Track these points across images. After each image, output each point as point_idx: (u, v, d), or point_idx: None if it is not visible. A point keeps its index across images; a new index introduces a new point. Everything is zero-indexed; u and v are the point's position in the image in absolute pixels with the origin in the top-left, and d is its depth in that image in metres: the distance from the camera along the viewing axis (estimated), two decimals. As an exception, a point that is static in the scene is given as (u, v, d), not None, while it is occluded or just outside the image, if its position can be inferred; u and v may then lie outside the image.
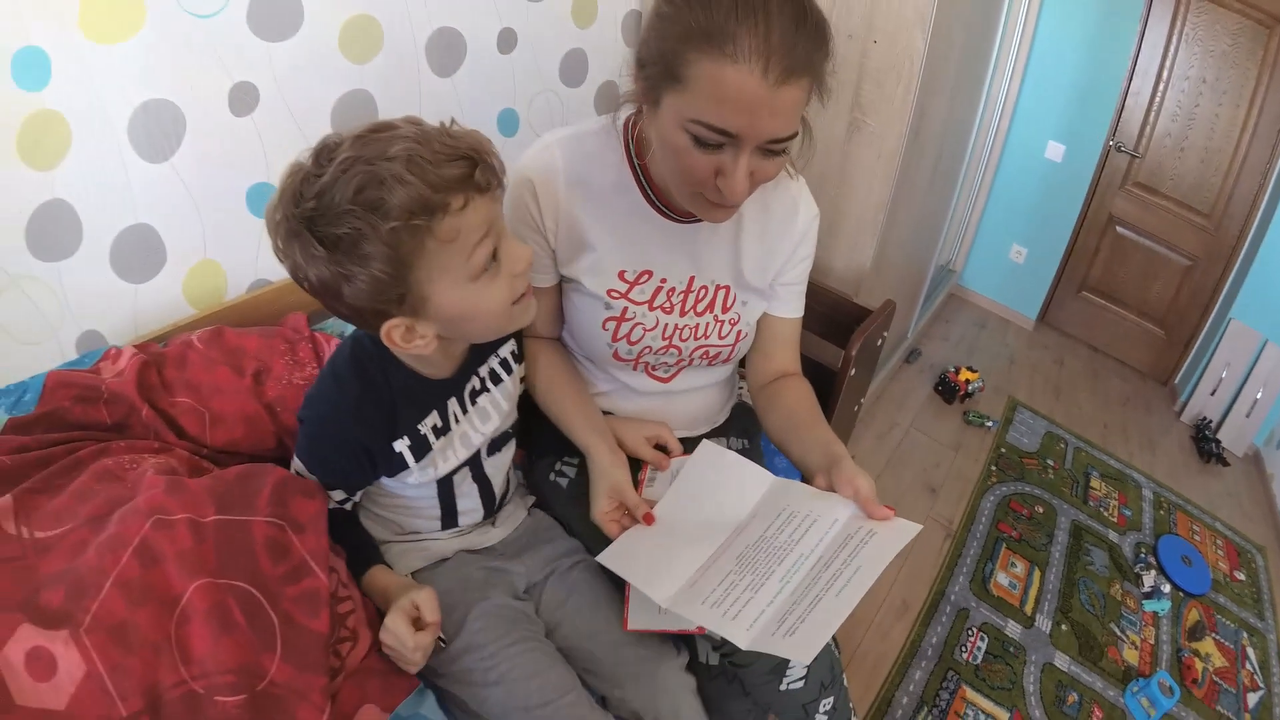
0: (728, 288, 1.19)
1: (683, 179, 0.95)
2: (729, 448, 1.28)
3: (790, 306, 1.26)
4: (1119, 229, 3.65)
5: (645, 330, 1.16)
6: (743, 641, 0.84)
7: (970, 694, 2.05)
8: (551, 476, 1.26)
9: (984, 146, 3.55)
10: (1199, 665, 2.36)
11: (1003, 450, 2.93)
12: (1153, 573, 2.59)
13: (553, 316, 1.23)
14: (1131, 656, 2.32)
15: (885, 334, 1.72)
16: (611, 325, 1.15)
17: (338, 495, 1.03)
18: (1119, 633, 2.38)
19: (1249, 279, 3.32)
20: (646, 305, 1.15)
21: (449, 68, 1.65)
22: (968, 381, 3.13)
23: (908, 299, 3.05)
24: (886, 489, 2.61)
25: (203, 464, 1.05)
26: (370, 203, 0.77)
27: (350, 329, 1.17)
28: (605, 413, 1.23)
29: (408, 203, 0.78)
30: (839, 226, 2.16)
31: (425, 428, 1.01)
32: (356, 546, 1.04)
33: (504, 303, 0.92)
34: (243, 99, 1.29)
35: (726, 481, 1.10)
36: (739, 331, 1.21)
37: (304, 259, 0.81)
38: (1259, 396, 3.29)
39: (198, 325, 1.26)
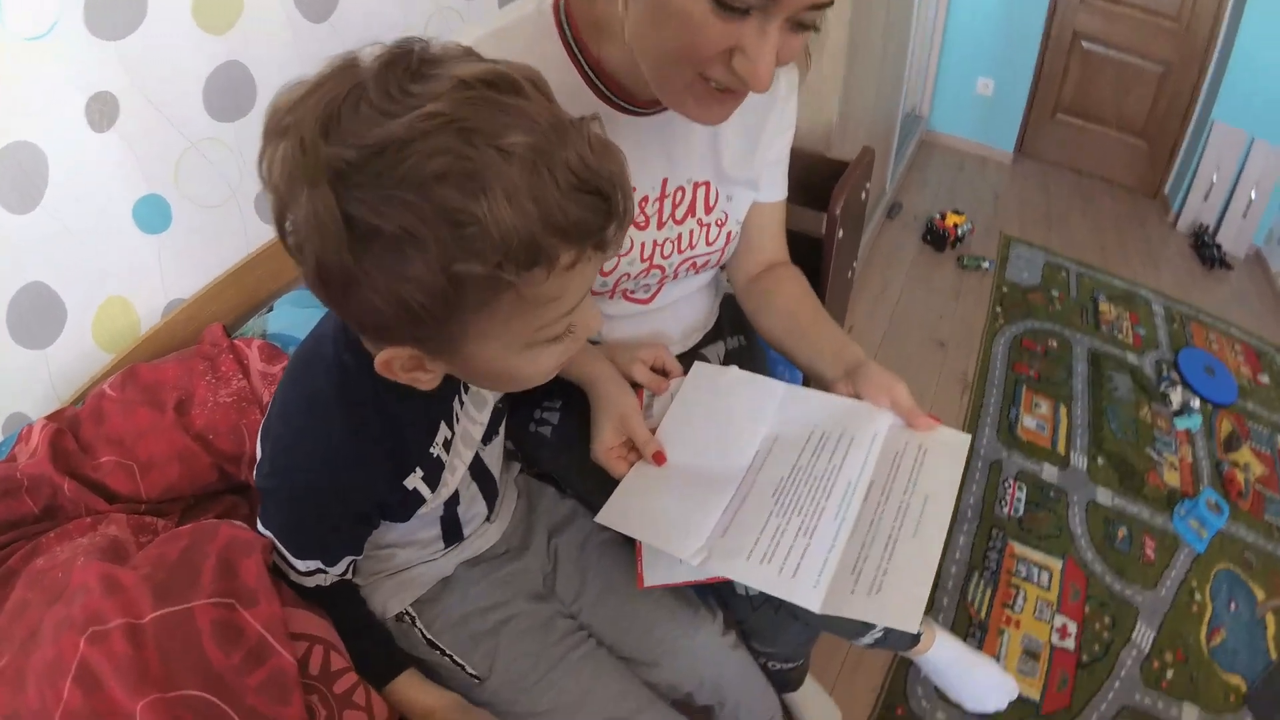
0: (708, 184, 1.00)
1: (682, 60, 0.72)
2: (725, 347, 1.18)
3: (775, 189, 1.09)
4: (1085, 45, 3.49)
5: (619, 256, 0.97)
6: (815, 604, 0.72)
7: (1018, 549, 1.96)
8: (532, 427, 1.09)
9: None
10: (1240, 477, 2.29)
11: (1004, 290, 2.80)
12: (1179, 389, 2.50)
13: None
14: (1173, 479, 2.23)
15: (868, 185, 1.56)
16: None
17: (327, 567, 0.80)
18: (1156, 456, 2.29)
19: (1227, 77, 3.17)
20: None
21: (323, 10, 1.41)
22: (956, 226, 2.97)
23: (881, 151, 2.87)
24: (893, 352, 2.47)
25: (146, 520, 0.93)
26: (449, 211, 0.50)
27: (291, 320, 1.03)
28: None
29: (507, 242, 0.51)
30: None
31: (437, 447, 0.79)
32: (366, 645, 0.84)
33: (552, 371, 0.69)
34: (102, 112, 1.11)
35: (732, 403, 0.97)
36: (728, 233, 1.05)
37: (307, 217, 0.52)
38: (1253, 196, 3.18)
39: (117, 370, 1.11)
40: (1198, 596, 1.94)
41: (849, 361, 0.94)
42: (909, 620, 0.69)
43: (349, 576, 0.84)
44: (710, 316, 1.21)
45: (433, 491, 0.80)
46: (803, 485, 0.83)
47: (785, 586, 0.74)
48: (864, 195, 1.55)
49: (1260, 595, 2.00)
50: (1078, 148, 3.74)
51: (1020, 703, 1.36)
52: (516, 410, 1.10)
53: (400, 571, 0.91)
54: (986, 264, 2.90)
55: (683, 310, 1.14)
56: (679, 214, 0.99)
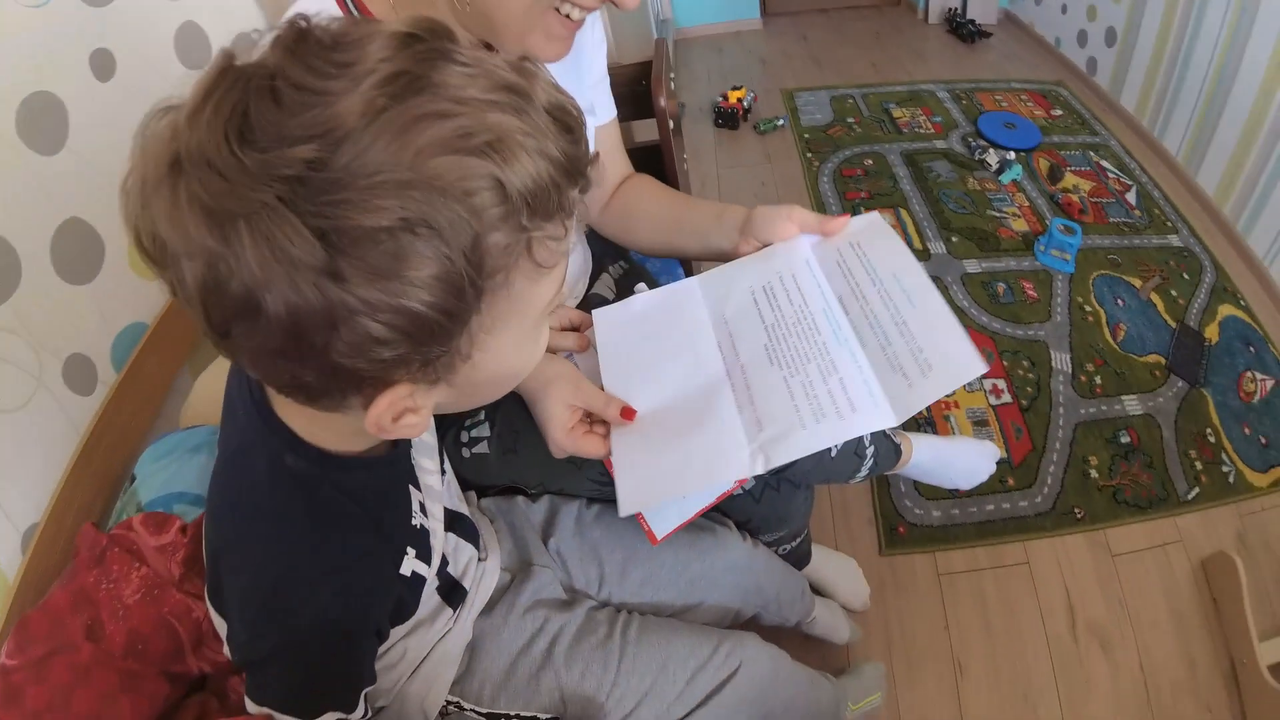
0: None
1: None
2: (612, 277, 1.13)
3: (606, 109, 1.05)
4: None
5: None
6: (891, 418, 0.70)
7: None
8: (466, 453, 0.95)
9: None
10: (1074, 198, 2.43)
11: (806, 136, 2.86)
12: (991, 151, 2.63)
13: None
14: (1020, 226, 2.34)
15: (672, 75, 1.53)
16: None
17: (348, 714, 0.65)
18: (998, 214, 2.40)
19: None
20: None
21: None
22: (740, 100, 3.02)
23: (651, 48, 2.87)
24: (732, 229, 2.48)
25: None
26: (453, 179, 0.41)
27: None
28: None
29: (524, 196, 0.44)
30: None
31: (417, 516, 0.69)
32: None
33: (543, 350, 0.60)
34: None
35: (658, 323, 0.88)
36: None
37: (259, 259, 0.39)
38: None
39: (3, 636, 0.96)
40: (1088, 308, 2.04)
41: (738, 220, 0.91)
42: (976, 363, 0.69)
43: (369, 716, 0.68)
44: (587, 258, 1.14)
45: (429, 565, 0.70)
46: (787, 337, 0.78)
47: (855, 424, 0.70)
48: (673, 82, 1.53)
49: (1137, 283, 2.12)
50: (814, -10, 3.87)
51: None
52: (442, 445, 0.96)
53: (420, 665, 0.78)
54: (781, 121, 2.96)
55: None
56: None
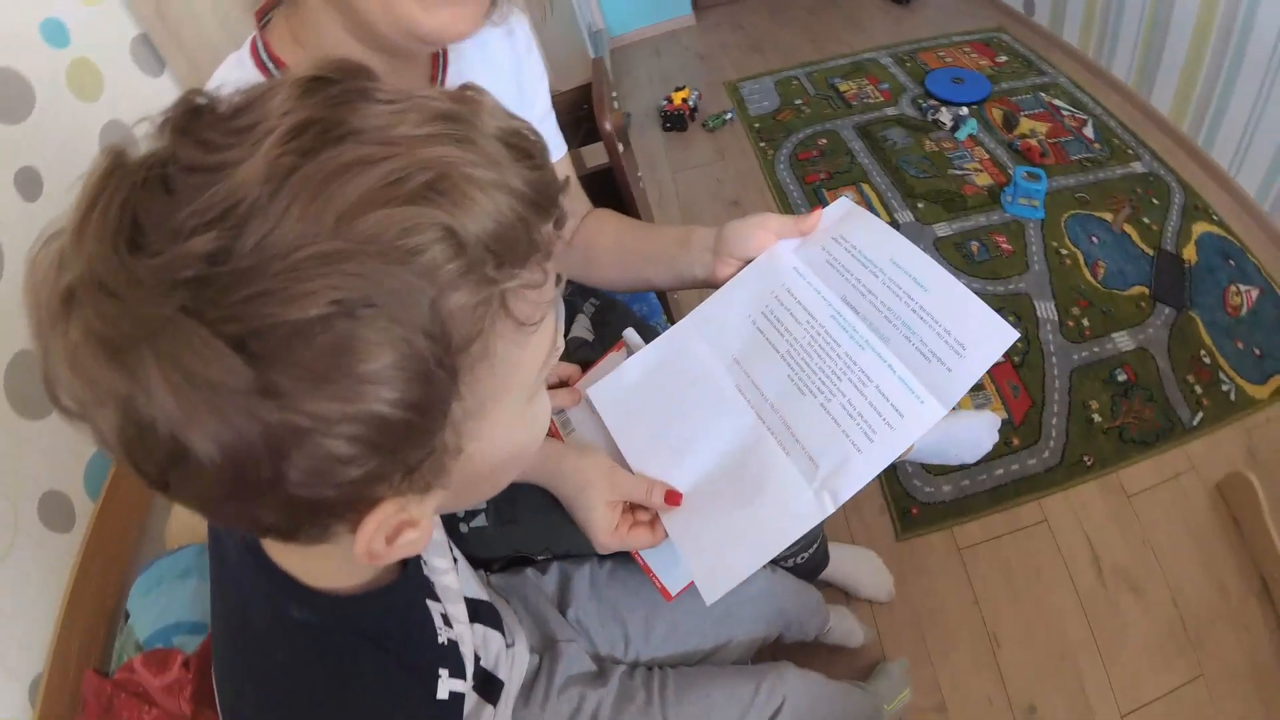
0: None
1: None
2: (587, 316, 1.10)
3: (556, 145, 1.00)
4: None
5: None
6: (940, 410, 0.68)
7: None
8: (462, 528, 0.92)
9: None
10: (1033, 142, 2.46)
11: (756, 126, 2.88)
12: (942, 109, 2.66)
13: None
14: (984, 180, 2.37)
15: (615, 94, 1.54)
16: None
17: None
18: (959, 172, 2.42)
19: None
20: None
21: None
22: (685, 100, 3.03)
23: (589, 69, 2.89)
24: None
25: None
26: (393, 238, 0.33)
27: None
28: None
29: (487, 239, 0.36)
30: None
31: (442, 631, 0.62)
32: None
33: (546, 426, 0.54)
34: None
35: (664, 385, 0.82)
36: None
37: (168, 395, 0.31)
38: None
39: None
40: (1064, 251, 2.06)
41: (707, 241, 0.85)
42: (1006, 329, 0.67)
43: None
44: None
45: (465, 679, 0.64)
46: (808, 361, 0.74)
47: (907, 429, 0.68)
48: (616, 102, 1.54)
49: (1109, 217, 2.15)
50: (742, -23, 3.89)
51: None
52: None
53: None
54: (728, 115, 2.98)
55: None
56: None
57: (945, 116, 2.62)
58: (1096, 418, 1.68)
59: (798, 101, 2.97)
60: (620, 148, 1.39)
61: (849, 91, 2.95)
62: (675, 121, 3.01)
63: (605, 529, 0.75)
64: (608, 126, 1.35)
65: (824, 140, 2.71)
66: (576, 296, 1.14)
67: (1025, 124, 2.56)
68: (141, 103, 1.65)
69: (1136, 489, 1.55)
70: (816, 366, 0.73)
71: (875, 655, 1.39)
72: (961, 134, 2.55)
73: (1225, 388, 1.69)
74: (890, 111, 2.77)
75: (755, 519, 0.71)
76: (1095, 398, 1.71)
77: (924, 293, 0.72)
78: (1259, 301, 1.84)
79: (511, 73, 0.91)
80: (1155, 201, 2.18)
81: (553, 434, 0.86)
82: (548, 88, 0.98)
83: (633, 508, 0.77)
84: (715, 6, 3.90)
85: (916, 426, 0.67)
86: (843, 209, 0.81)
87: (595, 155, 1.48)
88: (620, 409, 0.82)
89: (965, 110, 2.63)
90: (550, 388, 0.86)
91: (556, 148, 1.00)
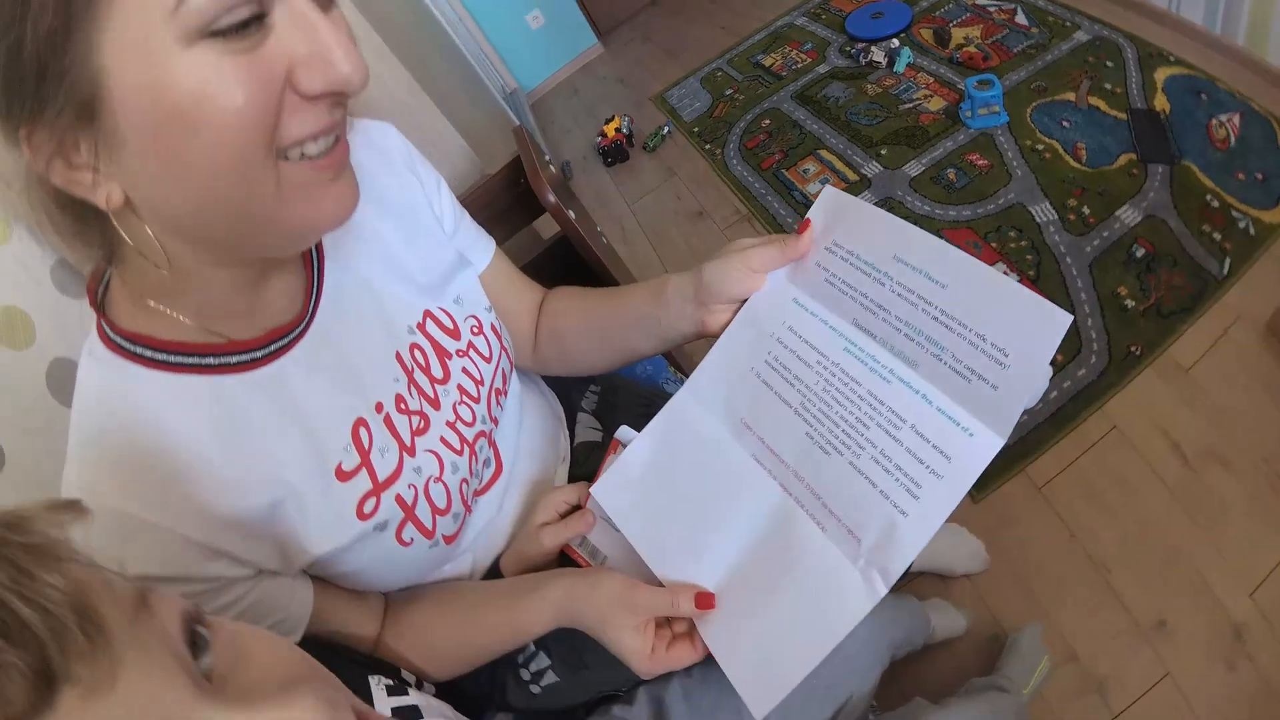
0: (426, 313, 0.81)
1: (248, 149, 0.49)
2: (589, 404, 1.06)
3: (481, 246, 0.92)
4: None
5: (437, 493, 0.76)
6: (1001, 436, 0.59)
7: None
8: (533, 689, 0.88)
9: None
10: (972, 49, 2.49)
11: (696, 130, 2.94)
12: (872, 47, 2.70)
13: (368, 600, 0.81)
14: (937, 105, 2.40)
15: (548, 157, 1.59)
16: (405, 529, 0.74)
17: None
18: (911, 104, 2.45)
19: None
20: (393, 469, 0.72)
21: None
22: (618, 129, 3.10)
23: (513, 138, 2.97)
24: (674, 258, 2.55)
25: None
26: None
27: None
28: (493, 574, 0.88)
29: None
30: (406, 127, 1.99)
31: None
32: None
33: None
34: None
35: (670, 470, 0.75)
36: (491, 326, 0.87)
37: None
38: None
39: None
40: (1039, 146, 2.09)
41: (686, 290, 0.77)
42: (1057, 313, 0.56)
43: None
44: (555, 409, 1.05)
45: None
46: (827, 411, 0.66)
47: (961, 475, 0.59)
48: (551, 164, 1.58)
49: (1071, 96, 2.17)
50: (633, -8, 3.99)
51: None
52: (506, 695, 0.90)
53: None
54: (665, 129, 3.04)
55: (533, 431, 0.96)
56: (437, 373, 0.80)
57: (878, 54, 2.66)
58: (1129, 303, 1.69)
59: (729, 92, 3.02)
60: (571, 214, 1.41)
61: (775, 64, 3.00)
62: (615, 154, 3.07)
63: (641, 656, 0.70)
64: (551, 198, 1.35)
65: (767, 121, 2.75)
66: (573, 392, 1.09)
67: (958, 34, 2.60)
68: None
69: (1191, 360, 1.56)
70: (837, 415, 0.65)
71: (988, 627, 1.40)
72: (899, 66, 2.59)
73: (1242, 224, 1.71)
74: (822, 70, 2.82)
75: (797, 614, 0.63)
76: (1121, 283, 1.73)
77: (942, 290, 0.62)
78: (1243, 126, 1.86)
79: (394, 200, 0.81)
80: (1109, 64, 2.20)
81: (582, 563, 0.82)
82: (448, 194, 0.89)
83: (668, 621, 0.72)
84: (617, 26, 3.99)
85: (971, 467, 0.59)
86: (829, 202, 0.71)
87: (550, 224, 1.51)
88: (629, 508, 0.75)
89: (895, 41, 2.68)
90: (562, 516, 0.83)
91: (482, 253, 0.92)
